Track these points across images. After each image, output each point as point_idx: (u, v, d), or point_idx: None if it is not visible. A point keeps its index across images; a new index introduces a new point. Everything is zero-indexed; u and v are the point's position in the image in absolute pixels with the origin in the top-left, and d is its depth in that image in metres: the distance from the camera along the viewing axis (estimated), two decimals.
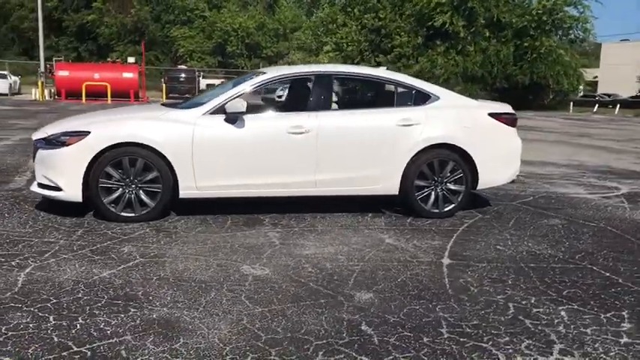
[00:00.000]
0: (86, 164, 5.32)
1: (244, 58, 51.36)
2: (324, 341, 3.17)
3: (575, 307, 3.78)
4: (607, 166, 10.70)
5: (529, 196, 7.50)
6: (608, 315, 3.65)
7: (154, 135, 5.44)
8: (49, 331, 3.17)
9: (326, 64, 30.77)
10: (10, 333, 3.14)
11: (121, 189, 5.44)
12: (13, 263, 4.25)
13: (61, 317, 3.36)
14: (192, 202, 5.82)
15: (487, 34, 32.80)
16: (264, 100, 13.01)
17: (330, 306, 3.66)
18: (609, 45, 59.31)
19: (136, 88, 29.98)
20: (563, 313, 3.67)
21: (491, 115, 6.18)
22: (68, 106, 23.31)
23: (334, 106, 5.99)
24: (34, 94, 28.69)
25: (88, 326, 3.25)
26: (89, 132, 5.39)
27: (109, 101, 27.38)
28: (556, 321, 3.53)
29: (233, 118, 5.55)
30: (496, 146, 6.18)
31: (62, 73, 29.22)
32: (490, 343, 3.21)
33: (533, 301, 3.85)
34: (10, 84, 30.99)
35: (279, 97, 21.63)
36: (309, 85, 5.99)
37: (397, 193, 5.98)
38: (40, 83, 28.86)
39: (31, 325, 3.24)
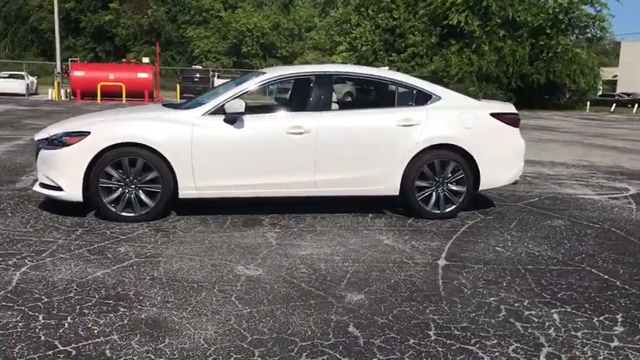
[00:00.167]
0: (86, 164, 5.37)
1: (259, 58, 51.51)
2: (309, 342, 3.16)
3: (569, 309, 3.73)
4: (618, 167, 10.55)
5: (535, 196, 7.42)
6: (601, 318, 3.60)
7: (153, 135, 5.47)
8: (36, 330, 3.20)
9: (338, 63, 30.75)
10: None
11: (121, 189, 5.48)
12: (9, 262, 4.30)
13: (51, 316, 3.39)
14: (194, 202, 5.84)
15: (502, 33, 32.51)
16: (276, 100, 13.05)
17: (320, 307, 3.65)
18: (628, 43, 58.47)
19: (151, 89, 30.19)
20: (555, 315, 3.62)
21: (493, 115, 6.12)
22: (83, 106, 23.53)
23: (334, 106, 5.97)
24: (50, 94, 29.03)
25: (75, 325, 3.27)
26: (89, 132, 5.44)
27: (124, 101, 27.61)
28: (547, 324, 3.49)
29: (232, 119, 5.56)
30: (498, 147, 6.11)
31: (78, 74, 29.51)
32: (477, 345, 3.18)
33: (526, 304, 3.80)
34: (28, 84, 31.37)
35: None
36: (310, 85, 5.97)
37: (397, 193, 5.95)
38: (56, 84, 29.20)
39: (20, 324, 3.27)
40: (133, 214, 5.51)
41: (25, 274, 4.07)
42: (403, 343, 3.18)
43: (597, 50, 41.61)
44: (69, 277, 4.02)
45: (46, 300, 3.63)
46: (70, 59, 36.06)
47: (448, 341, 3.22)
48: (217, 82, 36.63)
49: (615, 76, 54.71)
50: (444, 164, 5.92)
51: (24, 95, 30.13)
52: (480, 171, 5.99)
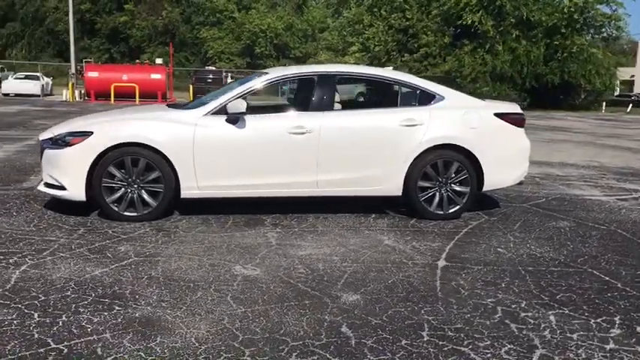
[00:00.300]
0: (89, 164, 5.40)
1: (273, 59, 51.60)
2: (301, 342, 3.15)
3: (566, 311, 3.68)
4: (629, 168, 10.42)
5: (541, 197, 7.35)
6: (598, 320, 3.55)
7: (155, 135, 5.49)
8: (31, 328, 3.23)
9: (350, 64, 30.70)
10: None
11: (123, 188, 5.51)
12: (10, 261, 4.34)
13: (46, 314, 3.41)
14: (197, 202, 5.86)
15: (516, 33, 32.27)
16: (288, 100, 13.04)
17: (314, 307, 3.64)
18: None
19: (164, 89, 30.38)
20: (552, 317, 3.58)
21: (497, 115, 6.07)
22: (97, 107, 23.73)
23: (337, 106, 5.95)
24: (65, 95, 29.34)
25: (70, 324, 3.30)
26: (92, 132, 5.48)
27: (138, 102, 27.80)
28: (543, 325, 3.45)
29: (234, 119, 5.57)
30: (502, 147, 6.06)
31: (91, 75, 29.78)
32: (470, 347, 3.15)
33: (523, 305, 3.77)
34: (43, 85, 31.71)
35: None
36: (312, 85, 5.96)
37: (400, 193, 5.92)
38: (70, 84, 29.48)
39: (15, 322, 3.30)
40: (135, 214, 5.54)
41: (25, 272, 4.11)
42: (395, 344, 3.16)
43: (614, 50, 41.12)
44: (67, 276, 4.05)
45: (43, 298, 3.65)
46: (84, 60, 36.40)
47: (440, 342, 3.20)
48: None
49: (633, 76, 54.07)
50: (448, 164, 5.88)
51: (39, 96, 30.44)
52: (484, 171, 5.94)
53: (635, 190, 8.17)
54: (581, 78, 33.17)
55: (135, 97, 28.12)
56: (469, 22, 31.95)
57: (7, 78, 33.32)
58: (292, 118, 5.79)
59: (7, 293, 3.72)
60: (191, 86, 32.49)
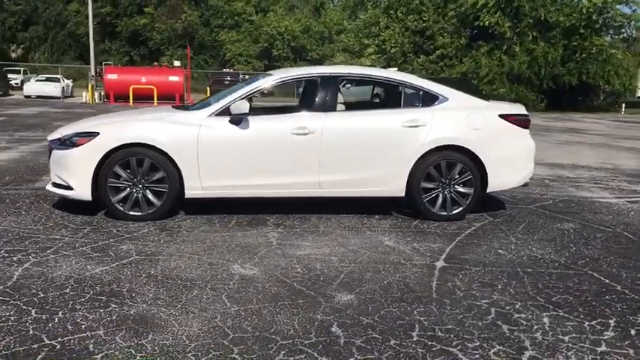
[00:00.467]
0: (95, 164, 5.49)
1: (290, 61, 51.70)
2: (290, 341, 3.18)
3: (561, 313, 3.66)
4: None
5: (549, 199, 7.29)
6: (592, 322, 3.53)
7: (160, 136, 5.57)
8: (27, 324, 3.29)
9: (366, 65, 30.68)
10: None
11: (128, 188, 5.59)
12: (14, 258, 4.43)
13: (43, 311, 3.48)
14: (203, 202, 5.92)
15: (534, 34, 31.97)
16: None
17: (307, 306, 3.67)
18: None
19: (182, 91, 30.62)
20: (545, 319, 3.56)
21: (501, 116, 6.04)
22: (115, 109, 23.99)
23: (340, 107, 5.97)
24: (84, 97, 29.74)
25: (65, 320, 3.36)
26: (98, 133, 5.57)
27: (156, 104, 28.05)
28: (535, 327, 3.44)
29: (237, 120, 5.62)
30: (507, 148, 6.03)
31: (111, 77, 30.15)
32: (458, 347, 3.15)
33: (517, 307, 3.75)
34: (63, 87, 32.19)
35: None
36: (315, 86, 6.00)
37: (403, 194, 5.93)
38: (90, 86, 29.87)
39: (12, 318, 3.37)
40: (140, 213, 5.62)
41: (27, 269, 4.19)
42: (384, 344, 3.17)
43: (636, 51, 40.48)
44: (68, 274, 4.13)
45: (42, 295, 3.73)
46: (103, 62, 36.86)
47: (430, 342, 3.20)
48: None
49: None
50: (451, 165, 5.87)
51: (59, 98, 30.89)
52: (488, 173, 5.92)
53: None
54: (599, 79, 32.75)
55: (153, 99, 28.40)
56: (486, 23, 31.74)
57: (29, 80, 33.91)
58: (295, 119, 5.82)
59: (7, 290, 3.80)
60: (208, 88, 32.76)
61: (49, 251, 4.63)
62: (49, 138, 5.98)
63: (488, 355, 3.07)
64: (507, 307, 3.74)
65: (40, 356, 2.93)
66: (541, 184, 8.34)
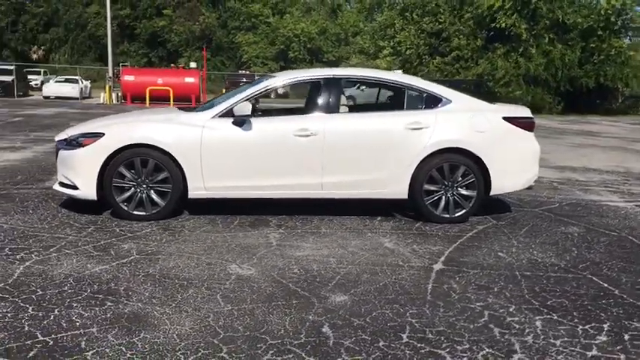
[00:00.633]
0: (100, 164, 5.57)
1: (306, 63, 51.85)
2: (279, 341, 3.20)
3: (555, 317, 3.64)
4: None
5: (555, 202, 7.24)
6: (586, 327, 3.50)
7: (164, 137, 5.63)
8: (23, 321, 3.36)
9: (381, 68, 30.62)
10: None
11: (133, 188, 5.66)
12: (17, 256, 4.51)
13: (40, 308, 3.55)
14: (208, 202, 5.98)
15: (551, 36, 31.65)
16: None
17: (300, 307, 3.69)
18: None
19: (197, 93, 30.85)
20: (538, 322, 3.54)
21: (506, 119, 6.01)
22: (131, 110, 24.25)
23: (343, 109, 5.99)
24: (102, 98, 30.10)
25: (60, 318, 3.42)
26: (103, 133, 5.65)
27: (172, 105, 28.29)
28: (527, 330, 3.42)
29: (240, 121, 5.66)
30: (510, 151, 6.00)
31: (128, 78, 30.47)
32: (447, 350, 3.15)
33: (511, 310, 3.74)
34: (81, 88, 32.62)
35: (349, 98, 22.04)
36: (319, 88, 6.02)
37: (406, 197, 5.92)
38: (107, 88, 30.22)
39: (9, 315, 3.44)
40: (144, 213, 5.69)
41: (29, 267, 4.27)
42: (373, 345, 3.18)
43: None
44: (68, 272, 4.19)
45: (40, 293, 3.80)
46: (121, 64, 37.28)
47: (419, 344, 3.20)
48: None
49: None
50: (454, 168, 5.86)
51: (77, 99, 31.30)
52: (491, 175, 5.90)
53: None
54: (618, 81, 32.31)
55: (169, 101, 28.64)
56: (502, 25, 31.49)
57: (48, 81, 34.42)
58: (297, 120, 5.85)
59: (7, 287, 3.87)
60: (224, 90, 32.93)
61: (51, 249, 4.71)
62: (57, 138, 6.08)
63: (477, 358, 3.06)
64: (501, 310, 3.72)
65: (32, 352, 2.99)
66: (549, 187, 8.27)
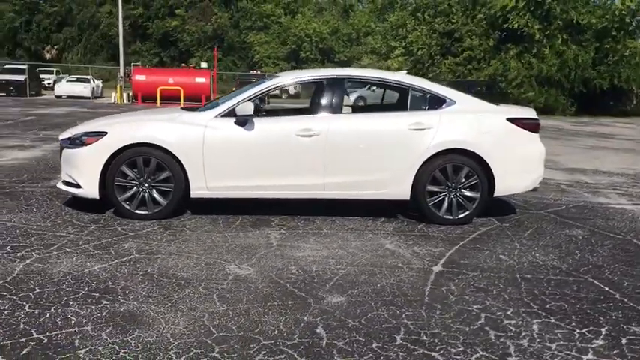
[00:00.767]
0: (103, 163, 5.60)
1: (317, 63, 51.87)
2: (272, 341, 3.19)
3: (552, 320, 3.60)
4: None
5: (562, 205, 7.17)
6: (583, 330, 3.46)
7: (166, 136, 5.64)
8: (19, 318, 3.38)
9: (393, 68, 30.54)
10: None
11: (135, 187, 5.68)
12: (18, 254, 4.54)
13: (37, 306, 3.57)
14: (212, 202, 5.99)
15: (564, 36, 31.38)
16: None
17: (296, 308, 3.68)
18: None
19: (208, 92, 30.96)
20: (535, 326, 3.51)
21: (510, 120, 5.97)
22: (142, 109, 24.38)
23: (346, 109, 5.98)
24: (113, 97, 30.29)
25: (56, 315, 3.44)
26: (106, 133, 5.67)
27: (182, 104, 28.42)
28: (523, 333, 3.39)
29: (242, 121, 5.67)
30: (515, 152, 5.95)
31: (139, 78, 30.65)
32: (441, 352, 3.13)
33: (509, 313, 3.70)
34: (93, 87, 32.87)
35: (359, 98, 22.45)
36: (322, 88, 6.01)
37: (408, 198, 5.90)
38: (118, 87, 30.41)
39: (6, 312, 3.46)
40: (146, 212, 5.70)
41: (29, 265, 4.30)
42: (366, 346, 3.16)
43: None
44: (67, 270, 4.21)
45: (38, 290, 3.82)
46: (132, 63, 37.50)
47: (412, 346, 3.18)
48: None
49: None
50: (457, 169, 5.82)
51: (89, 98, 31.53)
52: (495, 177, 5.85)
53: None
54: (632, 83, 31.97)
55: (180, 100, 28.77)
56: (515, 25, 31.28)
57: (60, 80, 34.71)
58: (300, 120, 5.84)
59: (6, 285, 3.90)
60: (234, 89, 33.02)
61: (52, 248, 4.73)
62: (60, 137, 6.12)
63: None
64: (498, 313, 3.69)
65: (26, 349, 3.01)
66: (557, 189, 8.20)
